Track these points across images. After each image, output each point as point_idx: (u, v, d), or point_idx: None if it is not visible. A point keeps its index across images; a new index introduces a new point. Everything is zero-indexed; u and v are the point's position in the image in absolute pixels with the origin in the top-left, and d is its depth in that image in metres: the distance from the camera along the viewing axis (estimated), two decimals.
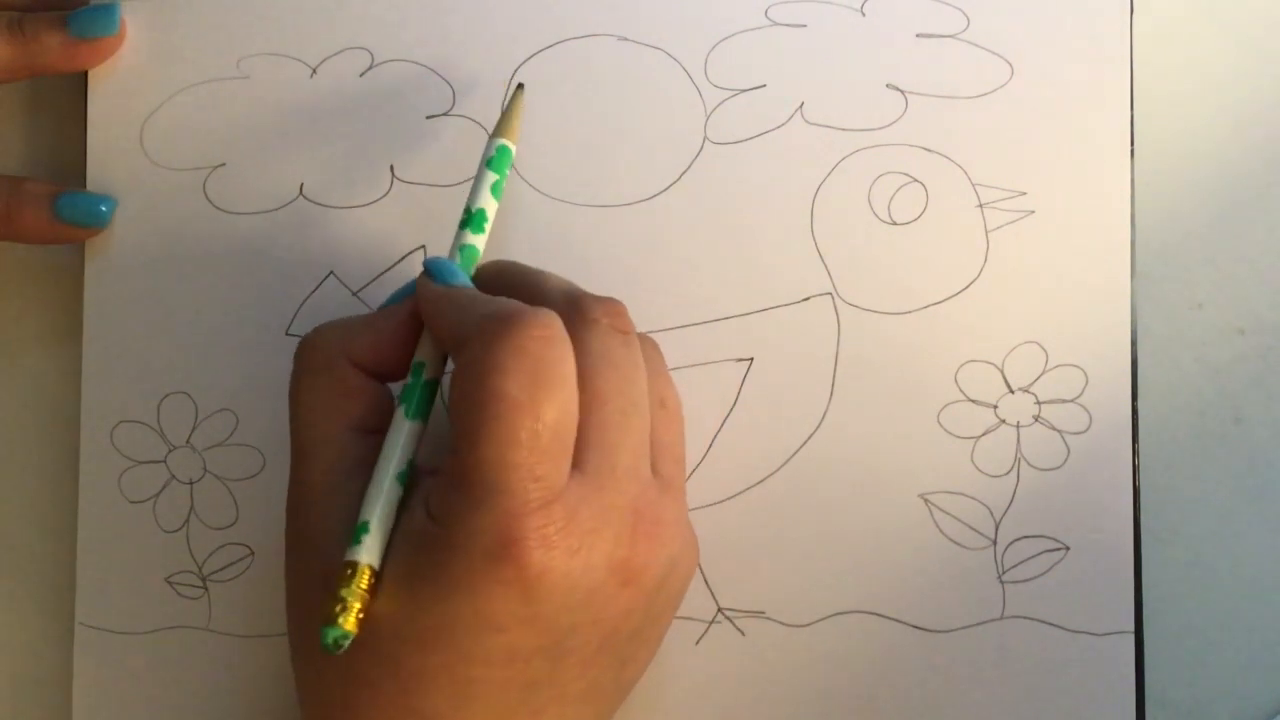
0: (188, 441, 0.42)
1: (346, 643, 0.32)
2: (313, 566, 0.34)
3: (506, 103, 0.40)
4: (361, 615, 0.32)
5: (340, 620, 0.32)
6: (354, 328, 0.36)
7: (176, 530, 0.42)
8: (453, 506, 0.32)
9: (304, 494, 0.35)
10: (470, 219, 0.37)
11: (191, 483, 0.42)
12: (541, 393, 0.32)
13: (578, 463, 0.33)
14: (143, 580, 0.42)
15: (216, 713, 0.41)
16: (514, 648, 0.33)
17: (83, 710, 0.42)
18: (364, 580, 0.32)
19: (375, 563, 0.33)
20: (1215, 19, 0.42)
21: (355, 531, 0.33)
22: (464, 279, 0.36)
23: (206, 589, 0.41)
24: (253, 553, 0.41)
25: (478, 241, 0.37)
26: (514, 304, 0.34)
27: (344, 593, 0.32)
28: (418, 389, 0.35)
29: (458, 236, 0.37)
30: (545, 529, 0.32)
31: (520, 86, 0.40)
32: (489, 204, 0.38)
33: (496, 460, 0.32)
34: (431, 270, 0.36)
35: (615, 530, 0.33)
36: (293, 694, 0.41)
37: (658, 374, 0.37)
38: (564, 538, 0.32)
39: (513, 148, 0.39)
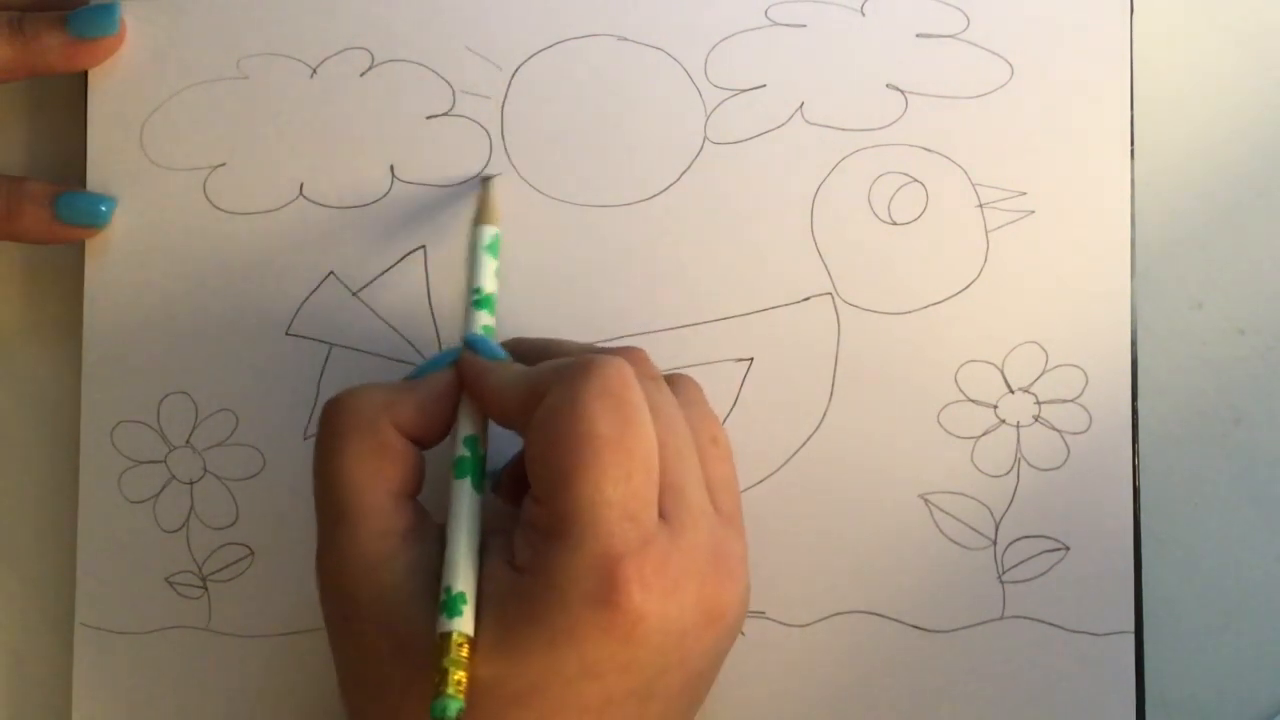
0: (188, 441, 0.42)
1: (461, 714, 0.31)
2: (378, 638, 0.33)
3: (481, 194, 0.40)
4: (466, 684, 0.32)
5: (453, 691, 0.31)
6: (395, 391, 0.35)
7: (176, 530, 0.42)
8: (546, 554, 0.32)
9: (354, 563, 0.34)
10: (483, 301, 0.37)
11: (191, 483, 0.42)
12: (631, 432, 0.32)
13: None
14: (143, 580, 0.42)
15: (216, 713, 0.41)
16: (609, 693, 0.32)
17: (83, 710, 0.42)
18: (466, 650, 0.32)
19: (472, 631, 0.32)
20: (1215, 20, 0.42)
21: (450, 602, 0.32)
22: (505, 355, 0.36)
23: (206, 589, 0.41)
24: (253, 553, 0.41)
25: (492, 322, 0.37)
26: (583, 355, 0.34)
27: (447, 663, 0.31)
28: (477, 460, 0.35)
29: (474, 318, 0.37)
30: (644, 571, 0.32)
31: (489, 179, 0.41)
32: (495, 287, 0.38)
33: (592, 501, 0.32)
34: (477, 346, 0.36)
35: (701, 570, 0.33)
36: (292, 693, 0.41)
37: (705, 412, 0.37)
38: (660, 579, 0.32)
39: (500, 232, 0.39)
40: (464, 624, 0.32)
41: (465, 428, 0.36)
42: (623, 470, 0.32)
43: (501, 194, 0.41)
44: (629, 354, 0.35)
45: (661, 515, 0.33)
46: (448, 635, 0.32)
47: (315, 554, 0.35)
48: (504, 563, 0.33)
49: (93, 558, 0.42)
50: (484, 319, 0.37)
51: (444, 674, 0.31)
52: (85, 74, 0.42)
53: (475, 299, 0.38)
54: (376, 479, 0.34)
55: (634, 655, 0.32)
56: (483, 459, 0.35)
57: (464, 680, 0.31)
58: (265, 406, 0.41)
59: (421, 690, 0.32)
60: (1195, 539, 0.41)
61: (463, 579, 0.33)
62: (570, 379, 0.33)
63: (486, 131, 0.41)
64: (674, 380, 0.37)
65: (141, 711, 0.41)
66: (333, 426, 0.35)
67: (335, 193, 0.42)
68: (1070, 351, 0.40)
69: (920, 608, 0.40)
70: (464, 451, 0.35)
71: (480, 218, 0.39)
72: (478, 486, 0.35)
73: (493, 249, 0.38)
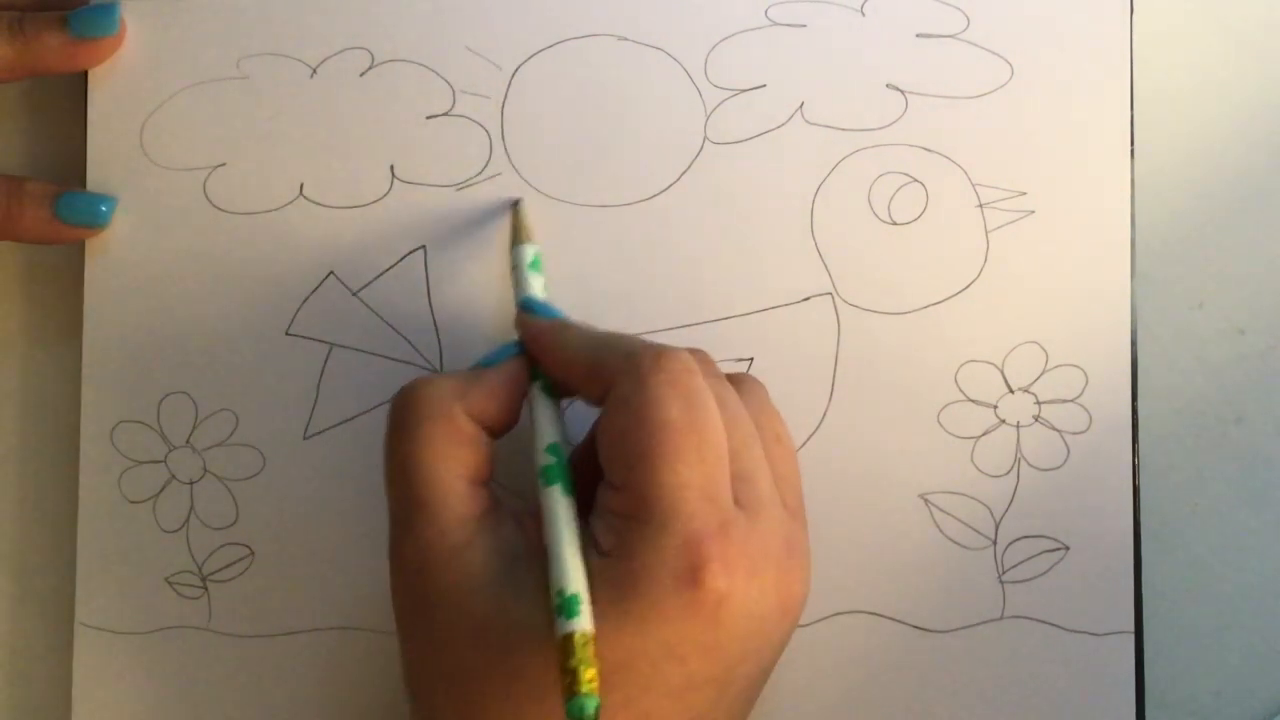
0: (188, 441, 0.42)
1: (599, 710, 0.31)
2: (457, 624, 0.33)
3: (514, 217, 0.41)
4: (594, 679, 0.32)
5: (587, 689, 0.31)
6: (466, 379, 0.36)
7: (176, 530, 0.42)
8: (630, 536, 0.33)
9: (432, 550, 0.34)
10: (535, 264, 0.39)
11: (191, 483, 0.42)
12: (700, 416, 0.33)
13: None
14: (143, 580, 0.42)
15: (216, 713, 0.41)
16: (691, 677, 0.33)
17: (83, 710, 0.42)
18: (592, 648, 0.32)
19: (592, 630, 0.32)
20: (1215, 19, 0.42)
21: (566, 604, 0.32)
22: (562, 313, 0.37)
23: (206, 589, 0.41)
24: (253, 553, 0.41)
25: (543, 294, 0.39)
26: (645, 341, 0.35)
27: (574, 662, 0.31)
28: (563, 466, 0.35)
29: (529, 282, 0.39)
30: (727, 552, 0.32)
31: (518, 201, 0.41)
32: (544, 298, 0.39)
33: (671, 484, 0.32)
34: (534, 307, 0.37)
35: (777, 557, 0.34)
36: (290, 693, 0.41)
37: (770, 410, 0.37)
38: (741, 561, 0.33)
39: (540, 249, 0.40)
40: (584, 623, 0.32)
41: (547, 435, 0.36)
42: (696, 454, 0.33)
43: (532, 213, 0.41)
44: (696, 353, 0.36)
45: (737, 501, 0.34)
46: (570, 636, 0.31)
47: (389, 544, 0.35)
48: (588, 548, 0.33)
49: (93, 558, 0.42)
50: (538, 284, 0.38)
51: (573, 674, 0.31)
52: (85, 74, 0.42)
53: (530, 263, 0.39)
54: (452, 465, 0.35)
55: (716, 638, 0.32)
56: (568, 463, 0.35)
57: (595, 677, 0.31)
58: (265, 406, 0.41)
59: (501, 676, 0.33)
60: (1195, 539, 0.41)
61: (574, 580, 0.32)
62: (638, 366, 0.34)
63: (486, 131, 0.41)
64: (738, 379, 0.37)
65: (141, 711, 0.41)
66: (405, 416, 0.35)
67: (335, 193, 0.42)
68: (1070, 351, 0.40)
69: (920, 608, 0.40)
70: (549, 459, 0.35)
71: (516, 239, 0.40)
72: (568, 491, 0.34)
73: (535, 265, 0.39)
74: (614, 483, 0.34)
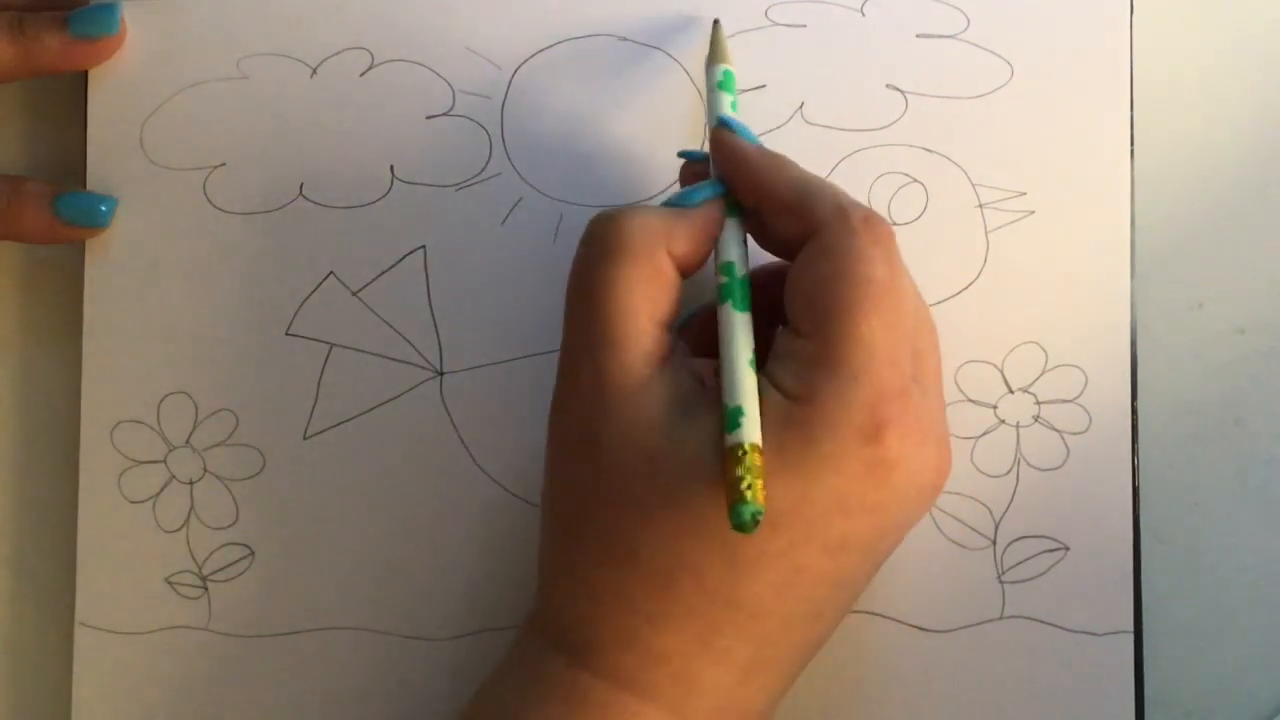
0: (188, 441, 0.42)
1: (758, 519, 0.31)
2: (631, 454, 0.33)
3: (713, 36, 0.40)
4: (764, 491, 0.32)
5: (751, 497, 0.31)
6: (670, 218, 0.35)
7: (176, 530, 0.42)
8: (818, 384, 0.33)
9: (615, 382, 0.34)
10: (726, 83, 0.38)
11: (191, 483, 0.42)
12: (900, 283, 0.34)
13: None
14: (143, 580, 0.42)
15: (216, 713, 0.41)
16: (848, 537, 0.33)
17: (83, 710, 0.41)
18: (758, 457, 0.32)
19: (759, 440, 0.32)
20: (1215, 19, 0.42)
21: (730, 416, 0.32)
22: (758, 139, 0.37)
23: (206, 589, 0.41)
24: (252, 553, 0.41)
25: (733, 111, 0.38)
26: (850, 196, 0.35)
27: (741, 471, 0.31)
28: (737, 283, 0.35)
29: (720, 100, 0.38)
30: (905, 415, 0.33)
31: (717, 20, 0.41)
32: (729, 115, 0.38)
33: (869, 339, 0.33)
34: (734, 126, 0.37)
35: (938, 435, 0.34)
36: (290, 693, 0.41)
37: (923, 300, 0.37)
38: (915, 428, 0.33)
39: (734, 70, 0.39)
40: (748, 435, 0.32)
41: (723, 253, 0.36)
42: (894, 315, 0.33)
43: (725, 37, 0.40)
44: (884, 223, 0.36)
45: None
46: (737, 447, 0.32)
47: (559, 372, 0.35)
48: (773, 388, 0.33)
49: (93, 558, 0.42)
50: (728, 100, 0.38)
51: (736, 483, 0.31)
52: (85, 74, 0.42)
53: (719, 82, 0.38)
54: (646, 304, 0.34)
55: (882, 500, 0.33)
56: (745, 280, 0.35)
57: (760, 487, 0.31)
58: (265, 406, 0.41)
59: (666, 509, 0.33)
60: (1195, 539, 0.41)
61: (743, 394, 0.33)
62: (848, 220, 0.34)
63: (486, 131, 0.41)
64: None
65: (141, 711, 0.41)
66: (608, 245, 0.35)
67: (335, 193, 0.42)
68: (1070, 351, 0.40)
69: (920, 608, 0.40)
70: (723, 277, 0.35)
71: (712, 58, 0.39)
72: (742, 308, 0.34)
73: (727, 85, 0.38)
74: (801, 329, 0.34)
